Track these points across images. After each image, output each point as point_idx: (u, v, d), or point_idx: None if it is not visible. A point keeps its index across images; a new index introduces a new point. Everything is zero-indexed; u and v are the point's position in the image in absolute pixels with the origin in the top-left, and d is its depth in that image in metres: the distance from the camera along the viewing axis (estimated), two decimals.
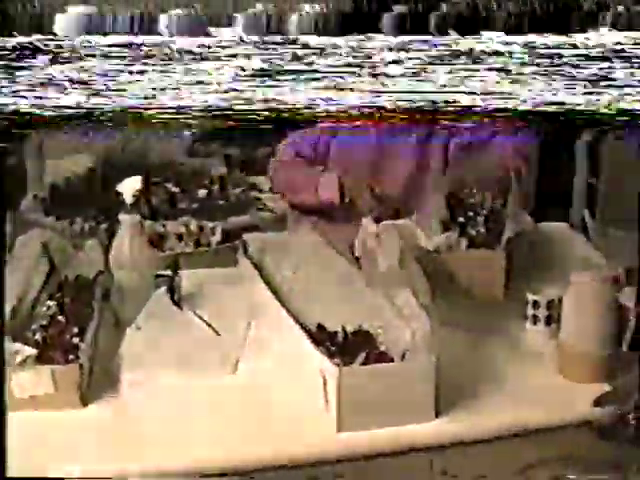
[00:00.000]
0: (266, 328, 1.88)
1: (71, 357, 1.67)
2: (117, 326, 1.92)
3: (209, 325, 1.92)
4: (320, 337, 1.73)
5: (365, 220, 2.25)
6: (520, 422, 1.66)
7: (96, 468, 1.51)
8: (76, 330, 1.76)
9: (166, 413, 1.66)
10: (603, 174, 3.82)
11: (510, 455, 1.63)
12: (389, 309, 1.79)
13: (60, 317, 1.82)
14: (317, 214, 2.76)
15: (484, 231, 2.18)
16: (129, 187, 2.06)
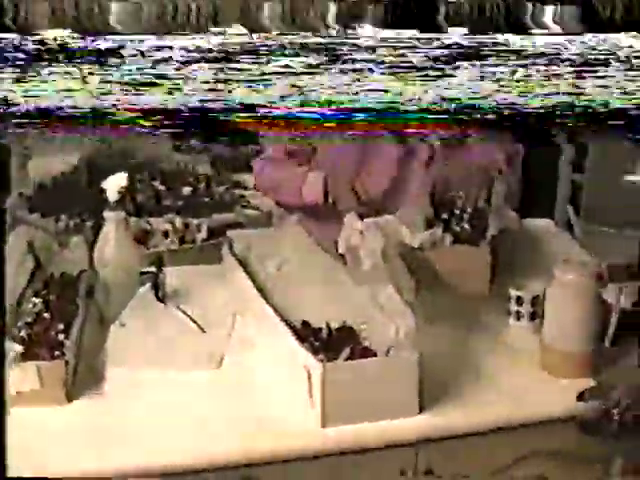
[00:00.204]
0: (251, 324, 1.89)
1: (56, 353, 1.67)
2: (102, 323, 1.93)
3: (194, 321, 1.92)
4: (304, 333, 1.73)
5: (349, 216, 2.24)
6: (504, 417, 1.67)
7: (81, 464, 1.51)
8: (61, 327, 1.76)
9: (151, 409, 1.66)
10: (587, 171, 3.84)
11: (494, 450, 1.64)
12: (373, 305, 1.80)
13: (45, 314, 1.83)
14: (302, 211, 2.76)
15: (468, 228, 2.19)
16: (114, 184, 2.05)
